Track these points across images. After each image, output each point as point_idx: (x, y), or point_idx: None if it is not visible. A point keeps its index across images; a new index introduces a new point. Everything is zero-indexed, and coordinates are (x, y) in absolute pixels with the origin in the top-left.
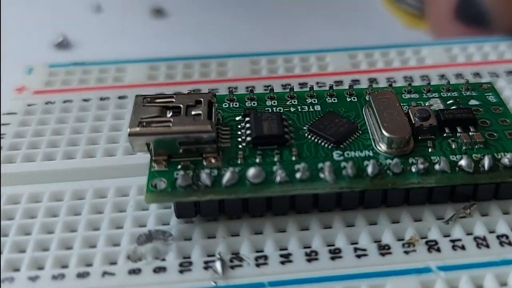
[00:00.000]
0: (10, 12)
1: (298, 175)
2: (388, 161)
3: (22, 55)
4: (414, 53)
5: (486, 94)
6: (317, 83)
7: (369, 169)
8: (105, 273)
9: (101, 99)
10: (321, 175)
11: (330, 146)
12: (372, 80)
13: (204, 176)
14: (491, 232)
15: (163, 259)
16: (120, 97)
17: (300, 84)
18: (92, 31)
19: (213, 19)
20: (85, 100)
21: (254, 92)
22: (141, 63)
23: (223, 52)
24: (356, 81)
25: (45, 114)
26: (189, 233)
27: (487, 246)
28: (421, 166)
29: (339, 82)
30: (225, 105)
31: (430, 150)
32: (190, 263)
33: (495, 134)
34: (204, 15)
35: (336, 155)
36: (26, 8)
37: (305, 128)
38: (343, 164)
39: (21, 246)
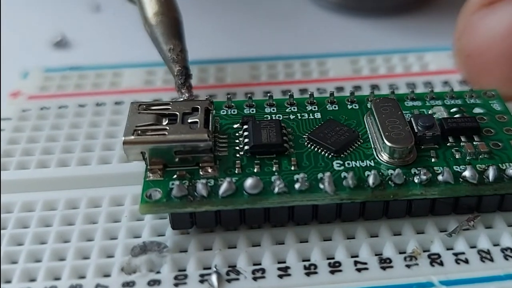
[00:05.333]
0: (8, 11)
1: (297, 185)
2: (390, 171)
3: (21, 54)
4: (418, 59)
5: (490, 102)
6: (318, 89)
7: (370, 180)
8: (98, 286)
9: (97, 104)
10: (321, 186)
11: (330, 156)
12: (374, 87)
13: (200, 187)
14: (495, 245)
15: (158, 272)
16: (116, 103)
17: (300, 90)
18: (91, 31)
19: (212, 22)
20: (81, 105)
21: (254, 98)
22: (138, 67)
23: (222, 56)
24: (357, 88)
25: (40, 120)
26: (185, 244)
27: (491, 259)
28: (423, 177)
29: (340, 89)
30: (223, 112)
31: (433, 160)
32: (186, 276)
33: (499, 144)
34: (203, 16)
35: (336, 164)
36: (25, 7)
37: (304, 136)
38: (343, 174)
39: (13, 257)
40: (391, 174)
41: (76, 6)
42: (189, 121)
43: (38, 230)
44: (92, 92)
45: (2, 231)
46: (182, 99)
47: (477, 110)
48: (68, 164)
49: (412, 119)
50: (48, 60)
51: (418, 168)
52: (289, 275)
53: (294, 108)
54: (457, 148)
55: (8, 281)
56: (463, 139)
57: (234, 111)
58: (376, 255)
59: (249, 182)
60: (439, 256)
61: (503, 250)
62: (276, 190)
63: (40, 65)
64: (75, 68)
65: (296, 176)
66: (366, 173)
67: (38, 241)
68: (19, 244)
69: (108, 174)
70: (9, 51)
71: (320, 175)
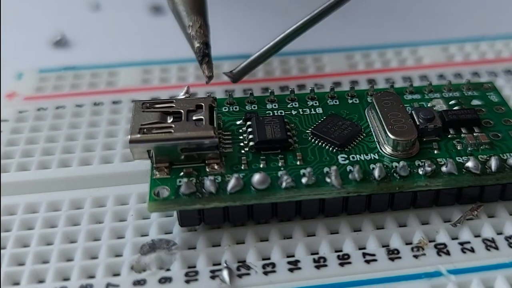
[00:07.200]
0: (7, 10)
1: (304, 180)
2: (395, 164)
3: (21, 53)
4: (411, 53)
5: (487, 93)
6: (316, 84)
7: (376, 173)
8: (109, 285)
9: (95, 104)
10: (327, 180)
11: (334, 150)
12: (371, 81)
13: (208, 183)
14: (499, 233)
15: (168, 269)
16: (114, 102)
17: (298, 85)
18: (90, 30)
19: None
20: (78, 105)
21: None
22: (134, 66)
23: (219, 53)
24: (354, 82)
25: (38, 121)
26: (193, 241)
27: (496, 248)
28: (428, 169)
29: (338, 84)
30: (225, 109)
31: (435, 151)
32: (196, 273)
33: (499, 135)
34: None
35: (341, 158)
36: (24, 7)
37: (308, 131)
38: (348, 168)
39: (20, 259)
40: (396, 166)
41: (76, 5)
42: (194, 118)
43: (44, 231)
44: (88, 92)
45: (7, 233)
46: (183, 96)
47: (475, 102)
48: (70, 164)
49: (413, 112)
50: (48, 60)
51: (422, 160)
52: (299, 268)
53: (295, 104)
54: (458, 140)
55: (17, 283)
56: (463, 130)
57: (236, 108)
58: (383, 246)
59: (256, 177)
60: (445, 245)
61: (507, 238)
62: (284, 185)
63: (41, 65)
64: (69, 68)
65: (302, 171)
66: (371, 166)
67: (44, 242)
68: (25, 246)
69: (110, 173)
70: (9, 50)
71: (326, 169)
